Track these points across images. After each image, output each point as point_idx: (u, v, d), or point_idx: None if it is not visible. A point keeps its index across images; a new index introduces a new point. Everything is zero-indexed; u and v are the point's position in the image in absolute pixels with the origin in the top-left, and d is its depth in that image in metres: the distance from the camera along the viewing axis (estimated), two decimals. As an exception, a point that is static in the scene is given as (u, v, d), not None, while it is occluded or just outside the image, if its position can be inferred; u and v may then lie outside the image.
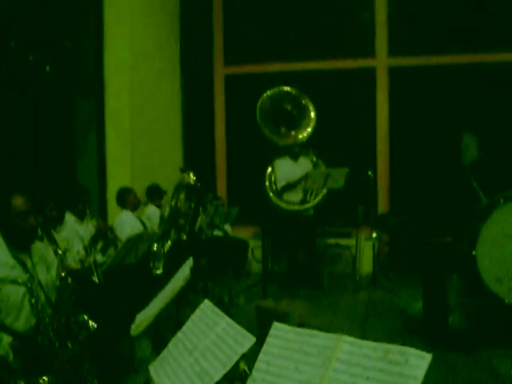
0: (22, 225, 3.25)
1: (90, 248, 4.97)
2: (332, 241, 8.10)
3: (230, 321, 2.26)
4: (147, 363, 2.48)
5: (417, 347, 1.73)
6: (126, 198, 6.50)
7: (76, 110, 7.49)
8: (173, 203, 5.79)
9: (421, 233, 7.73)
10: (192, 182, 5.76)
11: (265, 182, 7.52)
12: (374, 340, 1.84)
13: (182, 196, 5.81)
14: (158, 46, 8.24)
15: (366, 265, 7.78)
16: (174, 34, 8.94)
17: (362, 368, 1.78)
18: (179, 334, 2.45)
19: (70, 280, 3.01)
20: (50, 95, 6.86)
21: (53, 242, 3.25)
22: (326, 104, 8.18)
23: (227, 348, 2.13)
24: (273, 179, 7.54)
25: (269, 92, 7.55)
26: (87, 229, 5.62)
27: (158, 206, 7.01)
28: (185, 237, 5.86)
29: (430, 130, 8.45)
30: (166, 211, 5.95)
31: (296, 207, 7.46)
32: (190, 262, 2.94)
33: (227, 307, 5.98)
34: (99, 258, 5.32)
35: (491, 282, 4.85)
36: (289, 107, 7.69)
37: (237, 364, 2.09)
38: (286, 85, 7.68)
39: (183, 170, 6.03)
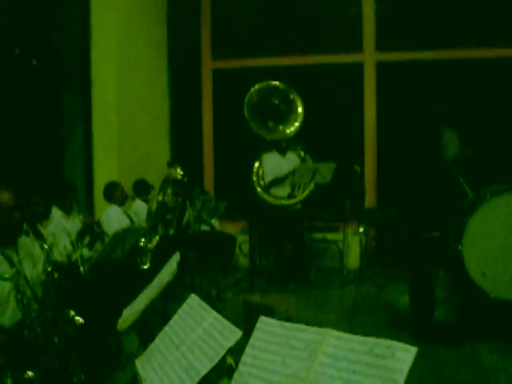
0: (8, 220, 3.23)
1: (76, 243, 4.95)
2: (319, 235, 8.11)
3: (216, 315, 2.26)
4: (134, 358, 2.48)
5: (404, 341, 1.74)
6: (114, 193, 6.47)
7: (63, 104, 7.44)
8: (160, 198, 5.78)
9: (408, 227, 7.77)
10: (179, 177, 5.74)
11: (252, 177, 7.52)
12: (362, 334, 1.84)
13: (170, 191, 5.79)
14: (145, 41, 8.19)
15: (354, 259, 7.80)
16: (162, 29, 8.90)
17: (348, 362, 1.79)
18: (166, 329, 2.45)
19: (56, 275, 3.00)
20: (36, 89, 6.82)
21: (39, 236, 3.23)
22: (313, 99, 8.19)
23: (214, 342, 2.13)
24: (260, 174, 7.54)
25: (257, 86, 7.53)
26: (74, 224, 5.58)
27: (146, 201, 6.99)
28: (172, 232, 5.85)
29: (418, 124, 8.47)
30: (153, 206, 5.93)
31: (283, 202, 7.46)
32: (176, 257, 2.94)
33: (214, 302, 6.00)
34: (86, 252, 5.29)
35: (477, 276, 4.88)
36: (276, 102, 7.68)
37: (224, 358, 2.10)
38: (274, 79, 7.67)
39: (170, 165, 6.00)
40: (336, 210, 7.93)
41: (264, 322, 2.09)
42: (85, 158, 7.32)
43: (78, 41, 7.27)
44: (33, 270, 3.34)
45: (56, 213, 5.48)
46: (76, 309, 2.95)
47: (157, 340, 2.43)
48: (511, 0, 8.31)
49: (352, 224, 7.59)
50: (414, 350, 1.70)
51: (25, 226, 3.40)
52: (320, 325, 1.97)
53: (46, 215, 5.19)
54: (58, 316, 2.94)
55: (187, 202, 6.18)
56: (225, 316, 2.25)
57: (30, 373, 2.67)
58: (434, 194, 7.55)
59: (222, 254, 7.55)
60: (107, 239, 5.16)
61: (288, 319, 2.82)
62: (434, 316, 4.71)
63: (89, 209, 7.16)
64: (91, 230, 5.47)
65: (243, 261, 8.25)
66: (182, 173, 5.78)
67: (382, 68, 8.87)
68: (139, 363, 2.39)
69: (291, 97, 7.66)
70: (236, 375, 2.01)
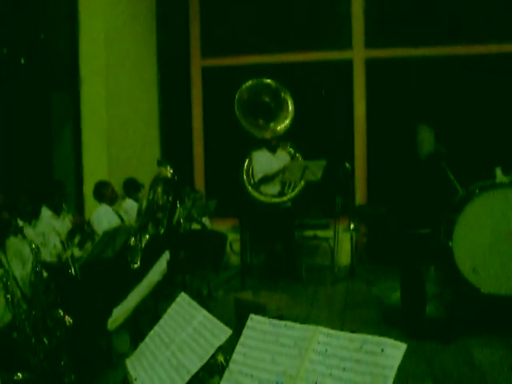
0: (-4, 220, 3.21)
1: (66, 242, 4.92)
2: (310, 233, 8.12)
3: (206, 313, 2.26)
4: (126, 357, 2.47)
5: (395, 337, 1.75)
6: (104, 192, 6.45)
7: (51, 103, 7.40)
8: (150, 197, 5.75)
9: (398, 224, 7.78)
10: (169, 176, 5.72)
11: (242, 175, 7.52)
12: (353, 331, 1.84)
13: (160, 189, 5.77)
14: (134, 39, 8.16)
15: (344, 256, 7.81)
16: (151, 27, 8.87)
17: (338, 359, 1.79)
18: (156, 328, 2.45)
19: (45, 275, 2.99)
20: (24, 88, 6.77)
21: (22, 235, 3.20)
22: (303, 96, 8.20)
23: (204, 341, 2.13)
24: (250, 172, 7.53)
25: (247, 84, 7.53)
26: (64, 223, 5.56)
27: (136, 200, 6.98)
28: (162, 230, 5.83)
29: (407, 121, 8.48)
30: (144, 205, 5.91)
31: (274, 199, 7.47)
32: (166, 256, 2.93)
33: (206, 300, 5.99)
34: (76, 252, 5.27)
35: (468, 271, 4.90)
36: (267, 99, 7.68)
37: (215, 356, 2.09)
38: (263, 77, 7.66)
39: (160, 163, 5.98)
40: (327, 208, 7.95)
41: (254, 320, 2.08)
42: (74, 157, 7.28)
43: (67, 39, 7.23)
44: (22, 271, 3.32)
45: (46, 212, 5.46)
46: (66, 308, 2.94)
47: (147, 339, 2.43)
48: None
49: (343, 221, 7.59)
50: (403, 346, 1.70)
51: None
52: (311, 322, 1.97)
53: (35, 215, 5.16)
54: (48, 316, 2.92)
55: (177, 201, 6.16)
56: (216, 314, 2.24)
57: (19, 374, 2.65)
58: (424, 190, 7.57)
59: (213, 253, 7.52)
60: (97, 238, 5.14)
61: (279, 317, 2.82)
62: (425, 312, 4.71)
63: (79, 208, 7.13)
64: (81, 229, 5.44)
65: (234, 259, 8.25)
66: (172, 171, 5.76)
67: (371, 65, 8.88)
68: (129, 363, 2.39)
69: (282, 94, 7.65)
70: (226, 373, 2.01)
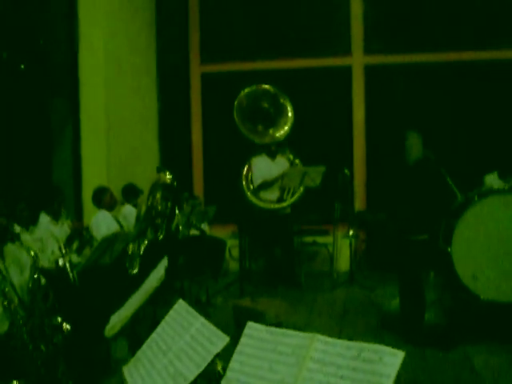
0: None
1: (65, 248, 4.91)
2: (309, 239, 8.11)
3: (204, 321, 2.25)
4: (123, 364, 2.46)
5: (394, 344, 1.74)
6: (102, 198, 6.43)
7: (51, 108, 7.40)
8: (149, 203, 5.75)
9: (397, 230, 7.76)
10: (168, 182, 5.71)
11: (242, 181, 7.51)
12: (352, 337, 1.84)
13: (159, 195, 5.76)
14: (133, 45, 8.17)
15: (343, 262, 7.80)
16: (150, 33, 8.88)
17: (335, 367, 1.78)
18: (154, 335, 2.43)
19: (43, 281, 2.98)
20: (24, 94, 6.78)
21: (19, 242, 3.20)
22: (302, 102, 8.20)
23: (201, 348, 2.12)
24: (249, 178, 7.53)
25: (246, 90, 7.53)
26: (62, 229, 5.56)
27: (135, 206, 6.97)
28: (161, 236, 5.82)
29: (407, 127, 8.47)
30: (143, 211, 5.91)
31: (273, 206, 7.46)
32: (164, 263, 2.92)
33: (204, 307, 5.97)
34: (75, 258, 5.26)
35: (467, 278, 4.88)
36: (266, 105, 7.68)
37: (212, 364, 2.08)
38: (262, 83, 7.67)
39: (159, 169, 5.99)
40: (326, 214, 7.93)
41: (251, 328, 2.07)
42: (73, 163, 7.28)
43: (67, 45, 7.24)
44: (20, 277, 3.32)
45: (44, 218, 5.45)
46: (64, 315, 2.93)
47: (144, 346, 2.42)
48: (497, 4, 8.36)
49: (342, 227, 7.58)
50: (401, 354, 1.69)
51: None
52: (310, 329, 1.96)
53: (33, 221, 5.15)
54: (46, 323, 2.91)
55: (176, 207, 6.15)
56: (215, 321, 2.24)
57: (15, 382, 2.64)
58: (423, 196, 7.56)
59: (212, 259, 7.51)
60: (96, 244, 5.13)
61: (278, 324, 2.81)
62: (424, 318, 4.70)
63: (77, 214, 7.12)
64: (80, 235, 5.45)
65: (233, 265, 8.23)
66: (171, 177, 5.76)
67: (370, 71, 8.89)
68: (126, 370, 2.38)
69: (281, 100, 7.66)
70: (224, 381, 2.00)
